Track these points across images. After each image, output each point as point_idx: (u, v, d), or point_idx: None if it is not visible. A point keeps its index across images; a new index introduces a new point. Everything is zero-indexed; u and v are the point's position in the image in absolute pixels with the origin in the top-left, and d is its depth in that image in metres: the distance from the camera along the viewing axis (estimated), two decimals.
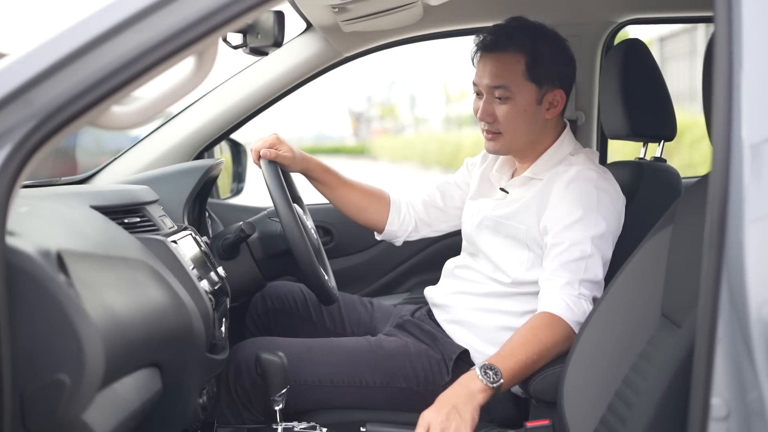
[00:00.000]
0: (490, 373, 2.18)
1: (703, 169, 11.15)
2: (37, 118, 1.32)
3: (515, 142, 2.54)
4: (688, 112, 12.62)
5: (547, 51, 2.50)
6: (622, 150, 8.05)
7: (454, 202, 2.86)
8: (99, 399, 1.40)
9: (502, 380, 2.18)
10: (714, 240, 1.36)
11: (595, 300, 2.34)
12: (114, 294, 1.52)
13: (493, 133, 2.53)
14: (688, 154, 11.85)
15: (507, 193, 2.61)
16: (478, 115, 2.54)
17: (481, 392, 2.16)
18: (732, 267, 1.34)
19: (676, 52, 17.08)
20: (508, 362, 2.22)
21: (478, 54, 2.56)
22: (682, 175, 2.76)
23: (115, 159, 3.04)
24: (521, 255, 2.49)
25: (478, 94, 2.56)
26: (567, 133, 2.60)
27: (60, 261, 1.33)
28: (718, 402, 1.34)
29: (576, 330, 2.27)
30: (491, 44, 2.52)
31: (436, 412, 2.12)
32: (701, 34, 14.87)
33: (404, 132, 43.35)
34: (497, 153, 2.63)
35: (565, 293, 2.30)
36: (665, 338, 1.84)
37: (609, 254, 2.39)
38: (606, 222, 2.37)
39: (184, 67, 1.42)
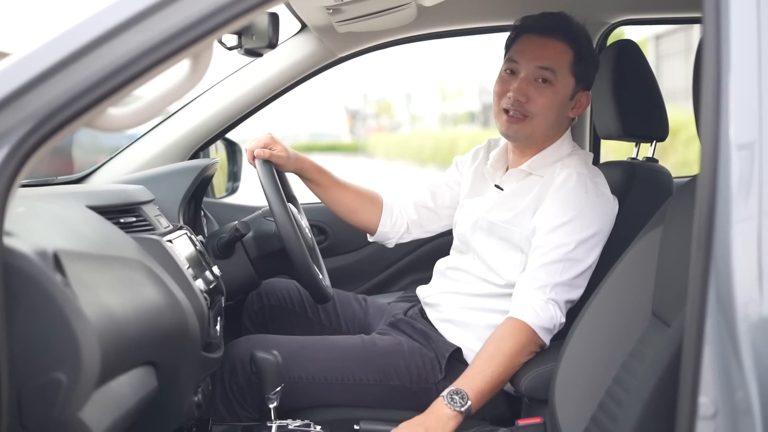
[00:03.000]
0: (456, 398, 2.22)
1: (697, 167, 11.11)
2: (33, 121, 1.33)
3: (540, 128, 2.54)
4: (684, 110, 12.61)
5: (588, 52, 2.55)
6: (617, 149, 8.05)
7: (444, 202, 2.88)
8: (95, 397, 1.41)
9: (470, 402, 2.22)
10: (702, 240, 1.37)
11: (569, 304, 2.38)
12: (110, 293, 1.53)
13: (522, 115, 2.51)
14: (683, 152, 11.86)
15: (501, 189, 2.62)
16: (512, 93, 2.51)
17: (452, 419, 2.21)
18: (719, 267, 1.35)
19: (672, 50, 17.07)
20: (474, 382, 2.26)
21: (521, 35, 2.57)
22: (677, 172, 2.77)
23: (111, 158, 3.05)
24: (514, 257, 2.51)
25: (512, 72, 2.54)
26: (568, 133, 2.62)
27: (57, 261, 1.33)
28: (705, 401, 1.35)
29: (541, 335, 2.31)
30: (545, 28, 2.53)
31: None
32: (697, 32, 14.84)
33: (400, 129, 43.23)
34: (516, 138, 2.58)
35: (534, 297, 2.33)
36: (655, 337, 1.85)
37: (594, 257, 2.41)
38: (594, 226, 2.39)
39: (179, 69, 1.43)
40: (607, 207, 2.46)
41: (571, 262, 2.36)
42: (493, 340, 2.33)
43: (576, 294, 2.38)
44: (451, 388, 2.26)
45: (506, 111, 2.53)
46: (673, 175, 2.78)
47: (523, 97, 2.50)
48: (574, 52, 2.50)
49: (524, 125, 2.52)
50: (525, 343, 2.30)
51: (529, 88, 2.50)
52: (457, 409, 2.21)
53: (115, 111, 1.41)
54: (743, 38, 1.40)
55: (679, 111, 11.63)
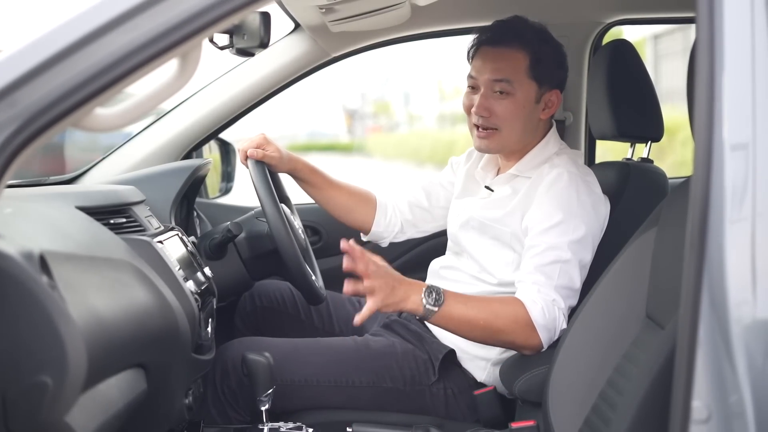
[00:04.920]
0: (433, 295, 2.20)
1: None
2: (20, 120, 1.32)
3: (510, 139, 2.53)
4: (682, 110, 12.59)
5: (549, 52, 2.52)
6: (614, 148, 8.04)
7: (439, 202, 2.86)
8: (82, 400, 1.40)
9: (435, 310, 2.19)
10: (695, 242, 1.36)
11: (570, 309, 2.34)
12: (98, 295, 1.52)
13: (488, 129, 2.51)
14: (681, 152, 11.86)
15: (492, 191, 2.61)
16: (474, 109, 2.51)
17: (413, 304, 2.18)
18: (713, 269, 1.34)
19: (671, 50, 17.07)
20: (454, 304, 2.23)
21: (479, 48, 2.55)
22: (675, 172, 2.77)
23: (103, 158, 3.04)
24: (506, 256, 2.50)
25: (473, 87, 2.55)
26: (553, 132, 2.60)
27: (43, 263, 1.32)
28: (698, 404, 1.34)
29: (541, 335, 2.27)
30: (496, 38, 2.51)
31: (381, 278, 2.16)
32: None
33: (398, 129, 43.25)
34: (489, 151, 2.62)
35: (541, 296, 2.29)
36: (649, 339, 1.84)
37: (588, 258, 2.39)
38: (585, 226, 2.37)
39: (167, 69, 1.42)
40: (599, 206, 2.44)
41: (568, 265, 2.33)
42: (497, 300, 2.31)
43: (575, 297, 2.35)
44: (440, 288, 2.23)
45: (477, 126, 2.54)
46: (671, 175, 2.77)
47: (485, 112, 2.50)
48: (530, 55, 2.48)
49: (493, 139, 2.53)
50: (517, 335, 2.26)
51: (489, 102, 2.50)
52: (425, 304, 2.18)
53: (103, 111, 1.40)
54: (737, 39, 1.39)
55: (677, 111, 11.63)
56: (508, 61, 2.49)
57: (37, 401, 1.28)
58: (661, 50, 17.59)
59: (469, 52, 2.59)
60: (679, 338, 1.38)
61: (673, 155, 11.81)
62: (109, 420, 1.56)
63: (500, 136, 2.52)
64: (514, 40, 2.49)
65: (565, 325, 2.32)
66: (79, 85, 1.33)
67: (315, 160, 2.82)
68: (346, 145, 37.33)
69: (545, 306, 2.28)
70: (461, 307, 2.24)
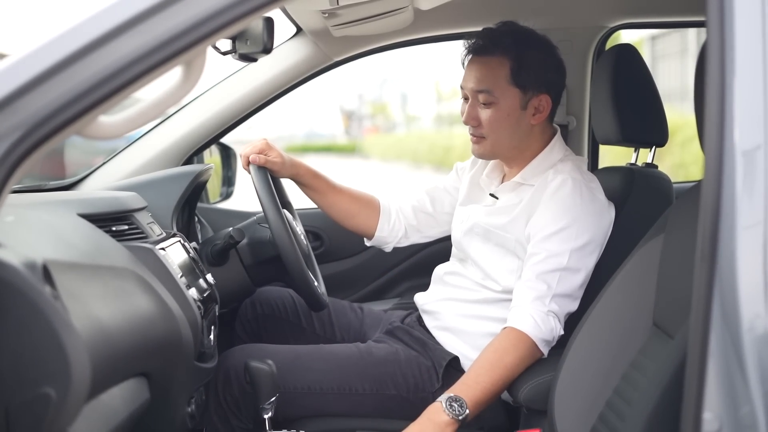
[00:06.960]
0: (456, 405, 2.20)
1: (694, 169, 11.16)
2: (23, 129, 1.30)
3: (499, 146, 2.54)
4: (679, 112, 12.61)
5: (533, 56, 2.49)
6: (612, 151, 8.03)
7: (443, 207, 2.85)
8: (86, 411, 1.39)
9: (467, 411, 2.20)
10: (706, 251, 1.34)
11: (567, 316, 2.36)
12: (101, 304, 1.51)
13: (478, 136, 2.54)
14: (680, 153, 11.86)
15: (497, 198, 2.60)
16: (463, 118, 2.55)
17: (449, 425, 2.18)
18: (724, 279, 1.32)
19: (667, 51, 17.10)
20: (473, 391, 2.24)
21: (468, 57, 2.56)
22: (673, 174, 2.75)
23: (104, 163, 3.02)
24: (510, 263, 2.48)
25: (465, 97, 2.56)
26: (557, 139, 2.59)
27: (46, 272, 1.31)
28: (709, 416, 1.32)
29: (541, 347, 2.29)
30: (479, 48, 2.52)
31: None
32: (692, 33, 14.91)
33: (396, 130, 43.31)
34: (483, 157, 2.63)
35: (535, 309, 2.30)
36: (657, 349, 1.83)
37: (591, 265, 2.39)
38: (589, 233, 2.36)
39: (171, 76, 1.41)
40: (603, 213, 2.44)
41: (568, 272, 2.33)
42: (494, 351, 2.30)
43: (574, 306, 2.36)
44: (450, 394, 2.23)
45: (470, 133, 2.56)
46: (669, 176, 2.76)
47: (473, 121, 2.53)
48: (512, 62, 2.47)
49: (483, 146, 2.55)
50: (526, 356, 2.28)
51: (475, 111, 2.52)
52: (455, 416, 2.18)
53: (106, 119, 1.39)
54: (748, 41, 1.37)
55: (674, 112, 11.61)
56: (488, 70, 2.49)
57: (41, 413, 1.26)
58: (658, 51, 17.61)
59: (462, 61, 2.60)
60: (690, 348, 1.37)
61: (671, 157, 11.80)
62: (113, 430, 1.54)
63: (489, 144, 2.54)
64: (495, 49, 2.49)
65: (562, 331, 2.33)
66: (83, 93, 1.32)
67: (312, 161, 2.81)
68: (343, 146, 37.40)
69: (538, 319, 2.29)
70: (478, 387, 2.25)
